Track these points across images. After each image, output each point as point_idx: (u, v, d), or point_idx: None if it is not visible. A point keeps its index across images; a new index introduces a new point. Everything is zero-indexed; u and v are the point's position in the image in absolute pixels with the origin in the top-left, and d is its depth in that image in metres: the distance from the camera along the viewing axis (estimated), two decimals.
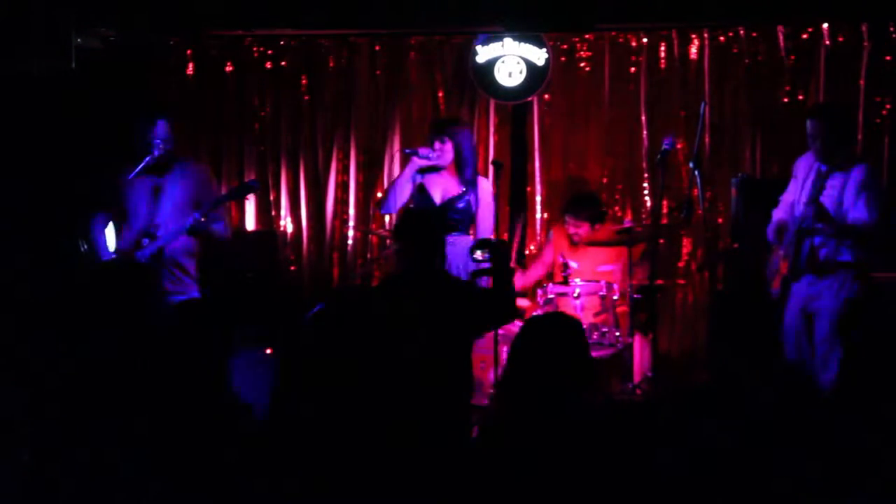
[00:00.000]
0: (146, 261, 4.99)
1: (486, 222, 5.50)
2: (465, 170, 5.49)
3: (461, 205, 5.48)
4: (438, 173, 5.53)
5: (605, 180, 6.72)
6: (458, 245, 5.27)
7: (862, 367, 4.73)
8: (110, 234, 5.30)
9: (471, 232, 5.56)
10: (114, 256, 5.18)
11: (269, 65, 6.91)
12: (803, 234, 4.85)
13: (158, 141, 5.07)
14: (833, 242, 4.81)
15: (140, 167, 5.07)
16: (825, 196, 4.78)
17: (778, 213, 5.11)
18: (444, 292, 4.01)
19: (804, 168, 5.01)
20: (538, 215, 6.80)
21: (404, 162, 5.66)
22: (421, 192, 5.51)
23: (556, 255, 6.15)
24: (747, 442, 2.92)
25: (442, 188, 5.52)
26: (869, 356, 4.77)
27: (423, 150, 5.49)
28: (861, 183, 4.78)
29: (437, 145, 5.48)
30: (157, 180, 5.17)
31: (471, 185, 5.48)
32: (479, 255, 4.13)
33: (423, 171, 5.51)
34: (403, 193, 5.50)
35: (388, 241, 6.51)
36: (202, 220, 5.03)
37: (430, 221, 4.31)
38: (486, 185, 5.55)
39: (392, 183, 5.63)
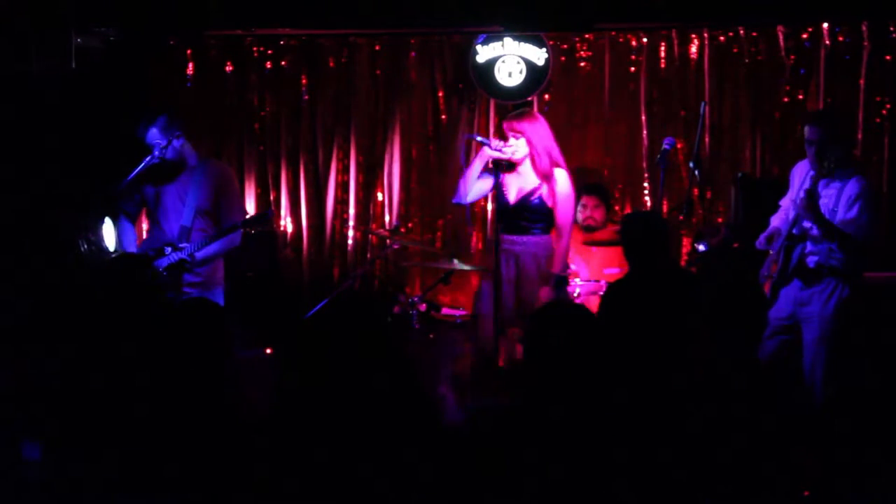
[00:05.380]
0: (166, 268, 4.95)
1: (564, 216, 5.33)
2: (539, 163, 5.30)
3: (535, 200, 5.32)
4: (514, 170, 5.38)
5: (604, 182, 6.72)
6: (528, 245, 5.28)
7: (852, 372, 4.73)
8: (107, 232, 5.26)
9: (552, 232, 5.40)
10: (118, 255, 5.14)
11: (269, 65, 6.92)
12: (794, 241, 4.86)
13: (157, 140, 5.01)
14: (823, 249, 4.80)
15: (141, 166, 5.01)
16: (820, 203, 4.78)
17: (775, 221, 5.11)
18: (667, 291, 4.18)
19: (800, 175, 5.00)
20: None
21: (470, 149, 5.42)
22: (497, 191, 5.37)
23: None
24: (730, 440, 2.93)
25: (517, 185, 5.38)
26: (860, 361, 4.78)
27: (494, 141, 5.33)
28: (856, 194, 4.76)
29: (511, 140, 5.30)
30: (172, 182, 5.08)
31: (546, 178, 5.30)
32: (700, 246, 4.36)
33: (498, 168, 5.30)
34: (476, 183, 5.35)
35: (387, 241, 6.51)
36: (187, 261, 4.95)
37: (649, 225, 4.42)
38: (562, 177, 5.32)
39: (462, 173, 5.39)
